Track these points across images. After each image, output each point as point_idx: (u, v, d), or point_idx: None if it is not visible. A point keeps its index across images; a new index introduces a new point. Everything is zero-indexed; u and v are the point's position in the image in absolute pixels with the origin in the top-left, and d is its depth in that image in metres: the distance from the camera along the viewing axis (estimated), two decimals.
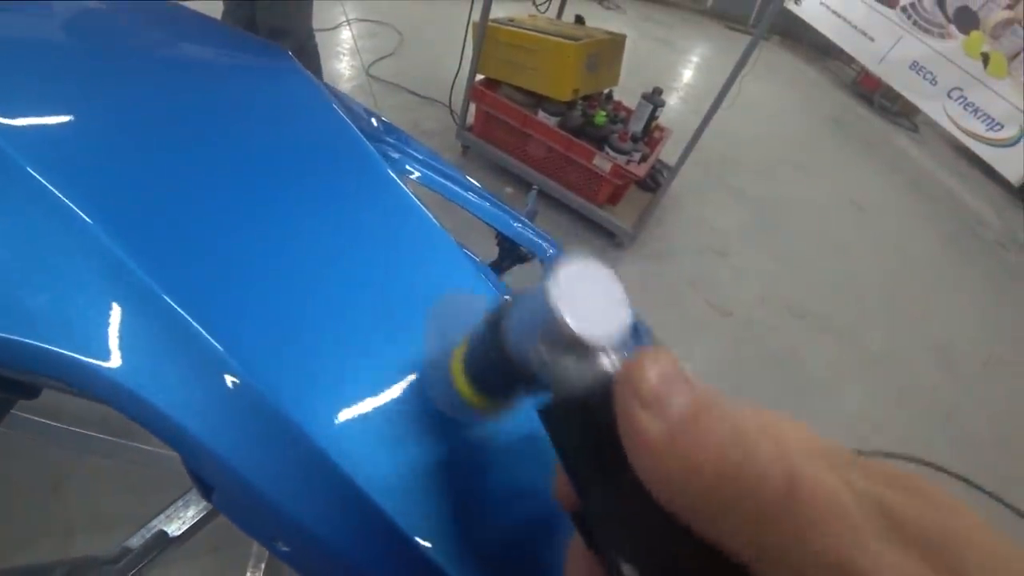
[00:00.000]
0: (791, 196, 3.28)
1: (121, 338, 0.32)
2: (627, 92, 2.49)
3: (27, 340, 0.32)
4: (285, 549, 0.32)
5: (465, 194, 0.73)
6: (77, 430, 1.07)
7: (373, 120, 0.73)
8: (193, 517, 0.74)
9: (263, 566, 1.19)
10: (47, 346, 0.32)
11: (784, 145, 3.96)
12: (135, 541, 0.75)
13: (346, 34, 3.13)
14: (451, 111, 2.52)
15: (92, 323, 0.33)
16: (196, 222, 0.40)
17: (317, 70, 2.05)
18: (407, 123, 2.47)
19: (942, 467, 1.89)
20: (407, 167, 0.65)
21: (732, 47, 5.33)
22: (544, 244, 0.77)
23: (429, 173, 0.67)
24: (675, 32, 5.19)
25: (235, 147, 0.49)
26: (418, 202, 0.51)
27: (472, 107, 2.25)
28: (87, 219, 0.36)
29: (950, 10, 4.77)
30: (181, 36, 0.64)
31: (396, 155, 0.65)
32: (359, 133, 0.56)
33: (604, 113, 2.09)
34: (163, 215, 0.39)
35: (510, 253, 0.82)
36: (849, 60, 5.45)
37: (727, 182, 3.08)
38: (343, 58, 2.90)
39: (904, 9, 5.03)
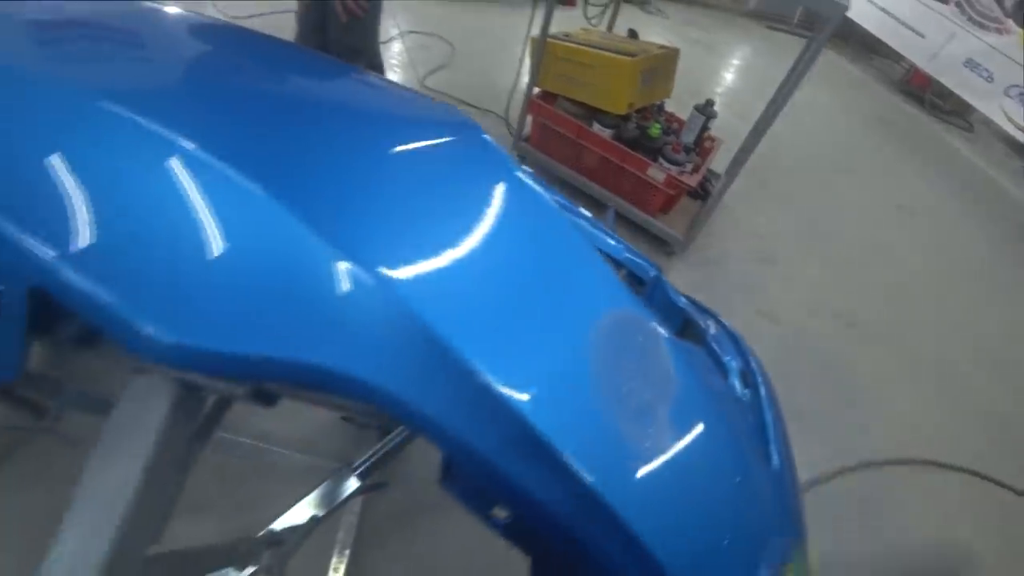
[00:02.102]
0: (839, 201, 3.26)
1: (388, 353, 0.43)
2: (673, 99, 2.53)
3: (302, 358, 0.43)
4: (503, 517, 0.42)
5: (582, 223, 0.84)
6: None
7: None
8: (332, 502, 0.85)
9: (347, 552, 1.31)
10: (332, 367, 0.42)
11: (831, 148, 3.93)
12: (278, 524, 0.87)
13: (399, 47, 3.26)
14: (506, 122, 2.61)
15: (363, 339, 0.43)
16: (431, 248, 0.51)
17: None
18: None
19: (993, 478, 1.90)
20: None
21: (773, 48, 5.28)
22: (647, 266, 0.87)
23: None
24: (716, 35, 5.16)
25: (455, 202, 0.60)
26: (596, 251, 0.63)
27: (528, 118, 2.34)
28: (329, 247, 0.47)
29: (1007, 3, 4.63)
30: (375, 96, 0.76)
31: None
32: (543, 195, 0.67)
33: (659, 125, 2.15)
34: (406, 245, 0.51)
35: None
36: (897, 58, 5.33)
37: (774, 187, 3.08)
38: (398, 70, 3.02)
39: (958, 4, 4.89)
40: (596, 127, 2.16)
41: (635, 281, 0.90)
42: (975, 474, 1.91)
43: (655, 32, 4.79)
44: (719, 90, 4.18)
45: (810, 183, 3.30)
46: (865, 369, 2.21)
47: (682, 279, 2.31)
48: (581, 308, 0.54)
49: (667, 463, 0.44)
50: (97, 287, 0.43)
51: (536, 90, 2.28)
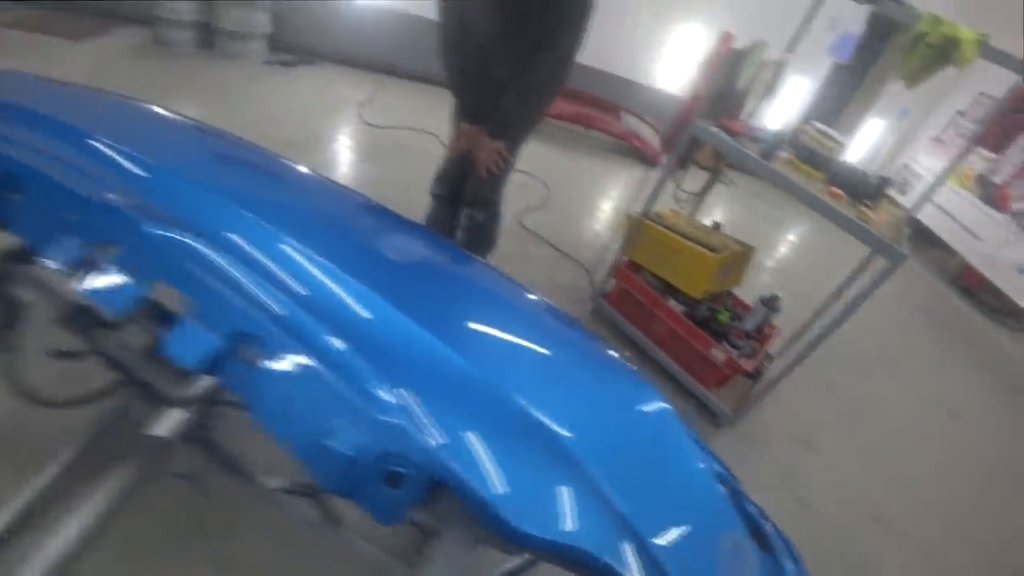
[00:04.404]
0: (883, 393, 3.40)
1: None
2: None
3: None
4: None
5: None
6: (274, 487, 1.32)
7: None
8: None
9: None
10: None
11: (880, 337, 4.09)
12: None
13: None
14: (588, 274, 2.94)
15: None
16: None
17: (497, 230, 2.44)
18: (546, 276, 2.91)
19: None
20: None
21: (835, 229, 5.59)
22: (729, 477, 1.13)
23: None
24: (783, 211, 5.53)
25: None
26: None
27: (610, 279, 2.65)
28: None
29: None
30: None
31: None
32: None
33: (728, 313, 2.42)
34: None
35: None
36: (954, 251, 5.54)
37: (821, 372, 3.25)
38: None
39: (1015, 215, 5.17)
40: (671, 302, 2.45)
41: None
42: None
43: (723, 200, 5.21)
44: (774, 264, 4.47)
45: (857, 372, 3.46)
46: (889, 572, 2.26)
47: (725, 451, 2.46)
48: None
49: None
50: (478, 485, 0.70)
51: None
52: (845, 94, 4.54)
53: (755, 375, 2.63)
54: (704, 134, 2.23)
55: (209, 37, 4.60)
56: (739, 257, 2.52)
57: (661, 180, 2.37)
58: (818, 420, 2.90)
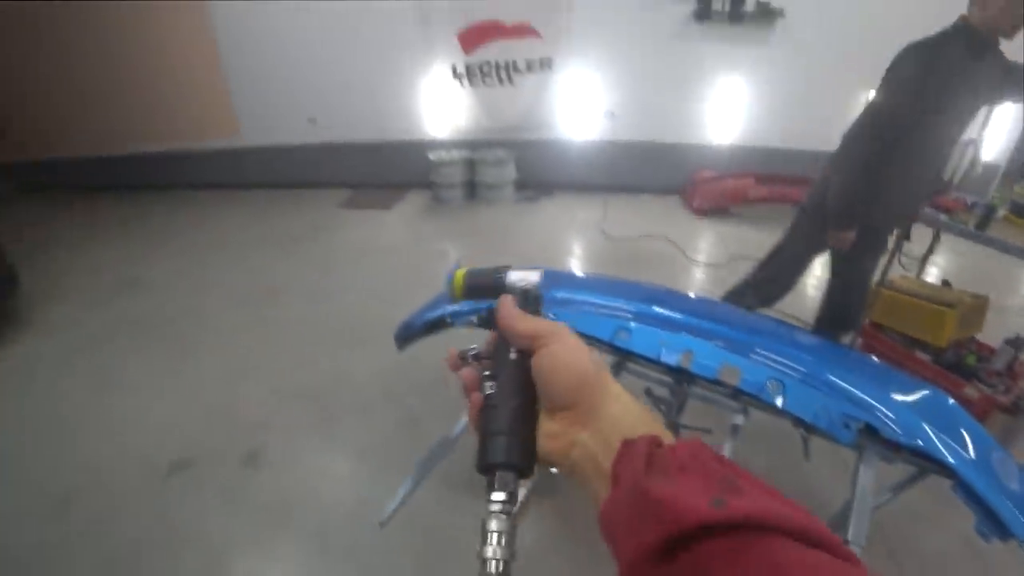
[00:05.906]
0: None
1: None
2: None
3: None
4: None
5: None
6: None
7: None
8: None
9: None
10: None
11: None
12: None
13: (726, 271, 4.53)
14: None
15: None
16: None
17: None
18: None
19: None
20: None
21: None
22: None
23: None
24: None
25: None
26: None
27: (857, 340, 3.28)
28: None
29: None
30: None
31: None
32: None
33: (974, 355, 2.91)
34: None
35: None
36: None
37: None
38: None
39: None
40: (918, 353, 3.00)
41: None
42: None
43: (946, 246, 5.32)
44: (1012, 303, 4.52)
45: None
46: None
47: None
48: None
49: None
50: (888, 424, 1.59)
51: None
52: None
53: (1014, 410, 2.98)
54: (923, 219, 2.87)
55: (472, 190, 6.34)
56: (975, 307, 3.00)
57: (890, 258, 3.02)
58: None
